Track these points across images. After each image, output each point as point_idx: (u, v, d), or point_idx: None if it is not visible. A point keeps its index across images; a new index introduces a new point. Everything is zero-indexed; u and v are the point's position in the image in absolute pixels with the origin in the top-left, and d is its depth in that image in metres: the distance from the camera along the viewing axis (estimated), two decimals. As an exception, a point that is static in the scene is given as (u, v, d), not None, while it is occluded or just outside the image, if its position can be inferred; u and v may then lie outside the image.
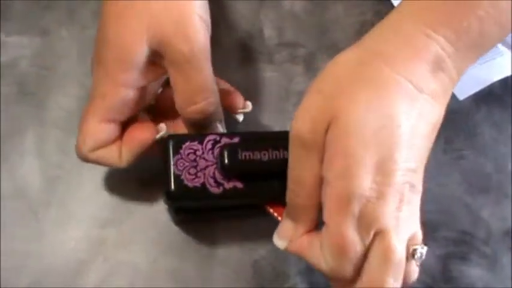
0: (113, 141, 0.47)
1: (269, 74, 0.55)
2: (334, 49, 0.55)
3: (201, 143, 0.45)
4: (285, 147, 0.43)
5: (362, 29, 0.56)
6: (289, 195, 0.42)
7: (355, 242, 0.39)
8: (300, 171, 0.41)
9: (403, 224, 0.40)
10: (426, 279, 0.52)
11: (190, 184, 0.44)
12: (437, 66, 0.40)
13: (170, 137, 0.45)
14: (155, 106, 0.51)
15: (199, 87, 0.46)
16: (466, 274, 0.52)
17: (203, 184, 0.45)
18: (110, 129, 0.47)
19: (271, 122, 0.53)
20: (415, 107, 0.40)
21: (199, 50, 0.45)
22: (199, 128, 0.48)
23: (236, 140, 0.46)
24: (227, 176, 0.45)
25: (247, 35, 0.56)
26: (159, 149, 0.46)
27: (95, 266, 0.50)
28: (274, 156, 0.44)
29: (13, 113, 0.53)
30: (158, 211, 0.51)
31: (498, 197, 0.53)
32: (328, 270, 0.41)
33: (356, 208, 0.39)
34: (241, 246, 0.51)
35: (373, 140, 0.38)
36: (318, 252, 0.41)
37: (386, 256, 0.40)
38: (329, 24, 0.56)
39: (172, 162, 0.45)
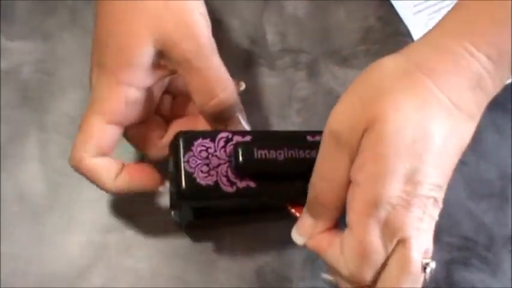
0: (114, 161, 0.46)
1: (271, 80, 0.55)
2: (336, 55, 0.55)
3: (213, 140, 0.44)
4: (300, 148, 0.43)
5: (365, 35, 0.56)
6: (313, 191, 0.42)
7: (378, 248, 0.40)
8: (329, 168, 0.41)
9: (422, 236, 0.40)
10: (429, 284, 0.51)
11: (203, 182, 0.43)
12: (477, 84, 0.40)
13: (181, 133, 0.44)
14: (171, 113, 0.51)
15: (214, 79, 0.46)
16: (468, 279, 0.52)
17: (216, 182, 0.43)
18: (114, 132, 0.46)
19: (274, 128, 0.53)
20: (450, 124, 0.40)
21: (204, 45, 0.45)
22: (224, 122, 0.47)
23: (248, 138, 0.45)
24: (240, 175, 0.44)
25: (250, 41, 0.56)
26: (169, 147, 0.45)
27: (97, 271, 0.50)
28: (289, 156, 0.44)
29: (15, 118, 0.53)
30: (161, 217, 0.51)
31: (501, 203, 0.53)
32: (347, 273, 0.41)
33: (382, 214, 0.39)
34: (245, 252, 0.51)
35: (407, 150, 0.39)
36: (337, 253, 0.41)
37: (406, 266, 0.40)
38: (332, 30, 0.56)
39: (183, 160, 0.43)
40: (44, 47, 0.55)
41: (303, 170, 0.43)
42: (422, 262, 0.41)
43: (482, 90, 0.40)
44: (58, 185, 0.52)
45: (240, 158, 0.43)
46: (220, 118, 0.47)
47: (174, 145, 0.44)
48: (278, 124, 0.54)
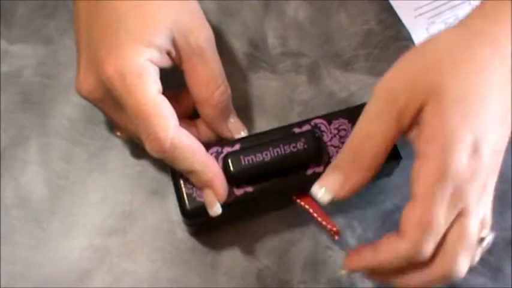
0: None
1: (273, 83, 0.55)
2: (337, 58, 0.55)
3: None
4: (285, 143, 0.45)
5: (366, 38, 0.56)
6: (351, 147, 0.42)
7: (442, 220, 0.40)
8: (375, 125, 0.41)
9: (482, 207, 0.42)
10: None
11: (202, 199, 0.46)
12: None
13: None
14: None
15: (219, 70, 0.48)
16: (469, 283, 0.52)
17: None
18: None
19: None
20: (508, 92, 0.41)
21: (213, 37, 0.48)
22: (222, 115, 0.49)
23: (237, 147, 0.46)
24: (236, 183, 0.46)
25: (251, 44, 0.56)
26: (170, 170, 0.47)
27: (98, 274, 0.50)
28: (276, 154, 0.45)
29: (17, 122, 0.53)
30: (162, 220, 0.51)
31: (502, 207, 0.53)
32: (406, 249, 0.41)
33: (450, 185, 0.40)
34: (245, 255, 0.51)
35: (472, 121, 0.40)
36: (390, 247, 0.42)
37: (465, 236, 0.41)
38: (333, 33, 0.56)
39: (182, 182, 0.46)
40: (45, 51, 0.55)
41: (292, 164, 0.45)
42: (480, 235, 0.42)
43: None
44: (59, 188, 0.52)
45: (231, 169, 0.45)
46: (220, 111, 0.48)
47: (172, 169, 0.46)
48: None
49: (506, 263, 0.52)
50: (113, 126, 0.51)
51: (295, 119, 0.53)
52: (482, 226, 0.43)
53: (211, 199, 0.45)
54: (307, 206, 0.48)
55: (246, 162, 0.45)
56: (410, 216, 0.41)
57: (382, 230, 0.52)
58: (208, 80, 0.47)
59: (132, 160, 0.53)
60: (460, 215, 0.41)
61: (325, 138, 0.47)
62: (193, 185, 0.46)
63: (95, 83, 0.45)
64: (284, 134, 0.47)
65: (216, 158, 0.46)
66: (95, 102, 0.47)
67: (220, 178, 0.45)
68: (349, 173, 0.43)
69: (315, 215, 0.48)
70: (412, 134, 0.42)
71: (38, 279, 0.50)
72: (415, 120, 0.41)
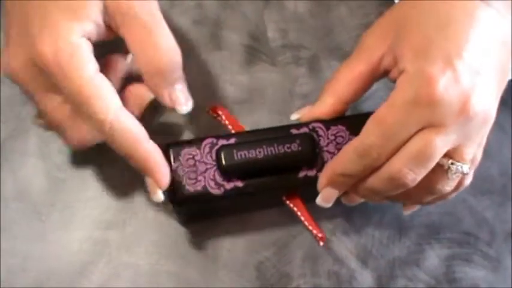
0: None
1: (273, 76, 0.55)
2: (337, 51, 0.55)
3: (198, 148, 0.46)
4: (280, 143, 0.45)
5: (365, 31, 0.56)
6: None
7: (404, 123, 0.41)
8: (349, 62, 0.47)
9: (459, 134, 0.41)
10: (430, 280, 0.52)
11: (191, 189, 0.46)
12: None
13: (170, 145, 0.46)
14: None
15: (159, 32, 0.44)
16: (469, 275, 0.52)
17: (204, 187, 0.46)
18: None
19: (276, 124, 0.52)
20: (481, 14, 0.41)
21: (150, 1, 0.44)
22: (164, 82, 0.45)
23: (232, 141, 0.47)
24: (227, 177, 0.46)
25: (251, 37, 0.56)
26: None
27: (97, 267, 0.50)
28: (269, 153, 0.45)
29: (16, 114, 0.53)
30: (161, 213, 0.51)
31: (502, 199, 0.53)
32: (363, 138, 0.42)
33: (421, 92, 0.40)
34: (245, 248, 0.51)
35: (439, 36, 0.41)
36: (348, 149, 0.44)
37: (421, 148, 0.41)
38: (333, 26, 0.56)
39: (173, 169, 0.46)
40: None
41: (285, 164, 0.46)
42: (446, 161, 0.42)
43: None
44: (58, 181, 0.52)
45: (223, 161, 0.45)
46: (165, 78, 0.45)
47: (164, 156, 0.46)
48: (280, 120, 0.54)
49: (506, 255, 0.52)
50: (36, 112, 0.48)
51: (295, 111, 0.52)
52: (458, 156, 0.43)
53: (152, 187, 0.45)
54: (295, 208, 0.48)
55: (239, 157, 0.45)
56: (373, 116, 0.42)
57: (382, 223, 0.52)
58: (148, 43, 0.44)
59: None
60: (428, 129, 0.41)
61: (322, 143, 0.47)
62: (184, 174, 0.46)
63: (25, 62, 0.43)
64: (281, 133, 0.47)
65: (210, 149, 0.46)
66: (21, 83, 0.44)
67: (162, 166, 0.44)
68: (323, 94, 0.46)
69: (302, 218, 0.48)
70: (394, 71, 0.44)
71: (37, 272, 0.50)
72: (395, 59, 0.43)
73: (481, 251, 0.52)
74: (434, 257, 0.52)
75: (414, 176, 0.42)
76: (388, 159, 0.42)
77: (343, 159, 0.44)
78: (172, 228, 0.51)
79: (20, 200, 0.51)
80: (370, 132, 0.42)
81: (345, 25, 0.56)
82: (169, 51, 0.45)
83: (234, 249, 0.51)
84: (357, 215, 0.52)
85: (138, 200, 0.52)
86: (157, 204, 0.51)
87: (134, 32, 0.44)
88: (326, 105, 0.47)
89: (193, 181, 0.46)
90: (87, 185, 0.52)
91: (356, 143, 0.43)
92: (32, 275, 0.50)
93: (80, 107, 0.42)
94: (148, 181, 0.45)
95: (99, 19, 0.43)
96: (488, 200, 0.53)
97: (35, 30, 0.42)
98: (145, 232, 0.51)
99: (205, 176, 0.46)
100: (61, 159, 0.52)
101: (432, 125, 0.41)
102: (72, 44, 0.42)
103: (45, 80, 0.43)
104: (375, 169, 0.43)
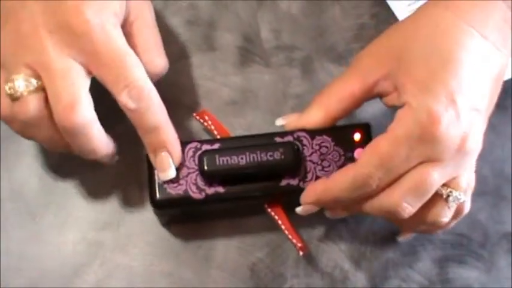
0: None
1: (266, 77, 0.55)
2: (331, 52, 0.55)
3: (182, 151, 0.46)
4: (263, 151, 0.45)
5: (359, 32, 0.56)
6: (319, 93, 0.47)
7: (403, 156, 0.42)
8: (341, 80, 0.46)
9: (455, 165, 0.42)
10: (423, 281, 0.52)
11: (173, 192, 0.46)
12: (504, 20, 0.42)
13: None
14: None
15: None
16: (462, 277, 0.52)
17: (185, 191, 0.46)
18: None
19: (268, 125, 0.53)
20: (479, 50, 0.42)
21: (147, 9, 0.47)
22: None
23: (216, 146, 0.47)
24: (208, 182, 0.46)
25: (244, 38, 0.56)
26: (146, 160, 0.47)
27: (92, 268, 0.50)
28: (251, 160, 0.46)
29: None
30: (155, 214, 0.51)
31: (495, 200, 0.53)
32: (359, 168, 0.43)
33: (420, 127, 0.41)
34: (239, 249, 0.51)
35: (442, 75, 0.41)
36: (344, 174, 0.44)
37: (419, 180, 0.42)
38: (326, 27, 0.56)
39: (155, 173, 0.46)
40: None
41: (267, 172, 0.46)
42: (447, 190, 0.43)
43: (507, 22, 0.42)
44: (53, 182, 0.52)
45: (205, 167, 0.45)
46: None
47: (147, 160, 0.47)
48: (273, 121, 0.53)
49: (500, 256, 0.52)
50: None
51: (288, 112, 0.53)
52: (454, 186, 0.44)
53: (166, 161, 0.45)
54: (276, 217, 0.48)
55: (221, 163, 0.45)
56: (370, 145, 0.43)
57: (375, 223, 0.52)
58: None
59: (126, 154, 0.53)
60: (426, 163, 0.42)
61: (306, 152, 0.47)
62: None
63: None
64: (265, 141, 0.47)
65: (194, 153, 0.46)
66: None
67: (178, 142, 0.46)
68: (313, 106, 0.46)
69: (283, 227, 0.48)
70: (392, 98, 0.44)
71: (32, 272, 0.50)
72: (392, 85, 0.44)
73: (475, 252, 0.52)
74: (427, 258, 0.52)
75: (411, 209, 0.43)
76: (383, 189, 0.43)
77: (338, 186, 0.44)
78: (166, 230, 0.51)
79: (15, 200, 0.51)
80: (369, 163, 0.42)
81: (338, 26, 0.56)
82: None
83: (228, 250, 0.51)
84: (350, 216, 0.52)
85: (132, 201, 0.52)
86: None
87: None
88: (313, 118, 0.47)
89: (175, 184, 0.46)
90: (82, 186, 0.52)
91: (353, 171, 0.43)
92: (26, 276, 0.50)
93: (122, 74, 0.43)
94: (163, 156, 0.45)
95: (123, 3, 0.45)
96: (482, 202, 0.53)
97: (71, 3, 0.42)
98: (139, 233, 0.51)
99: (187, 180, 0.46)
100: (56, 160, 0.52)
101: (430, 160, 0.42)
102: (113, 17, 0.43)
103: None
104: (369, 197, 0.44)
